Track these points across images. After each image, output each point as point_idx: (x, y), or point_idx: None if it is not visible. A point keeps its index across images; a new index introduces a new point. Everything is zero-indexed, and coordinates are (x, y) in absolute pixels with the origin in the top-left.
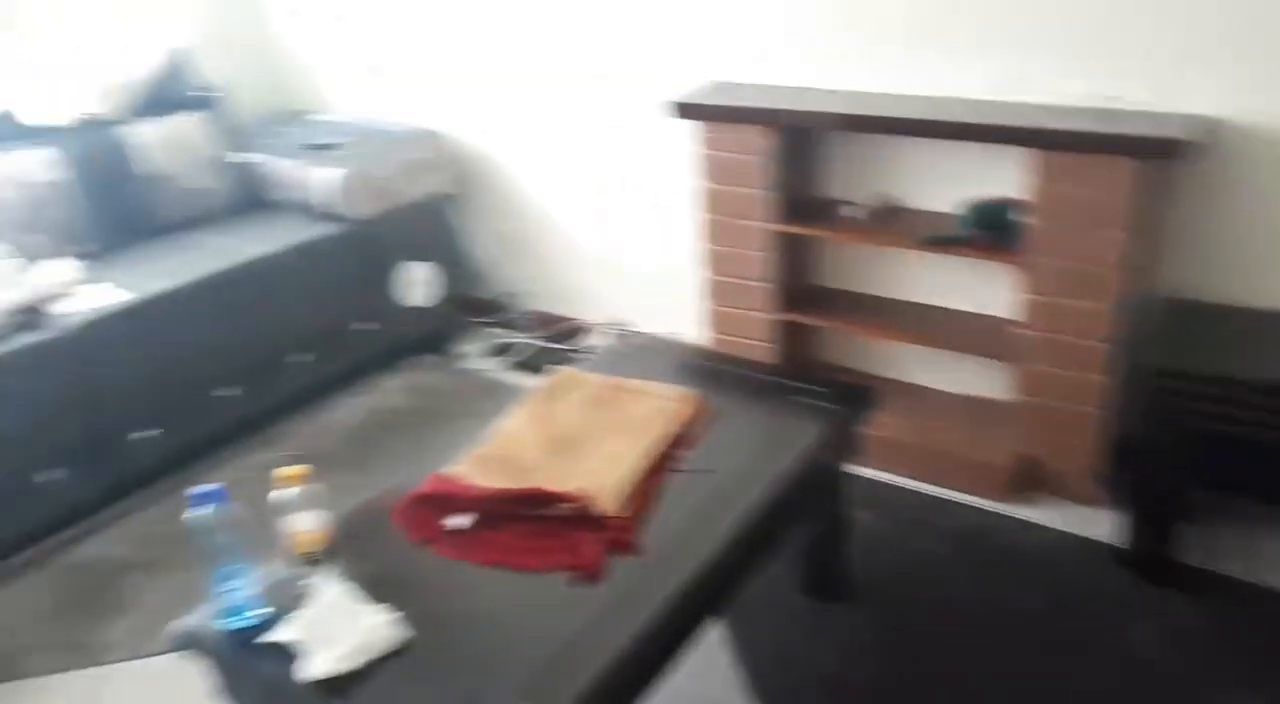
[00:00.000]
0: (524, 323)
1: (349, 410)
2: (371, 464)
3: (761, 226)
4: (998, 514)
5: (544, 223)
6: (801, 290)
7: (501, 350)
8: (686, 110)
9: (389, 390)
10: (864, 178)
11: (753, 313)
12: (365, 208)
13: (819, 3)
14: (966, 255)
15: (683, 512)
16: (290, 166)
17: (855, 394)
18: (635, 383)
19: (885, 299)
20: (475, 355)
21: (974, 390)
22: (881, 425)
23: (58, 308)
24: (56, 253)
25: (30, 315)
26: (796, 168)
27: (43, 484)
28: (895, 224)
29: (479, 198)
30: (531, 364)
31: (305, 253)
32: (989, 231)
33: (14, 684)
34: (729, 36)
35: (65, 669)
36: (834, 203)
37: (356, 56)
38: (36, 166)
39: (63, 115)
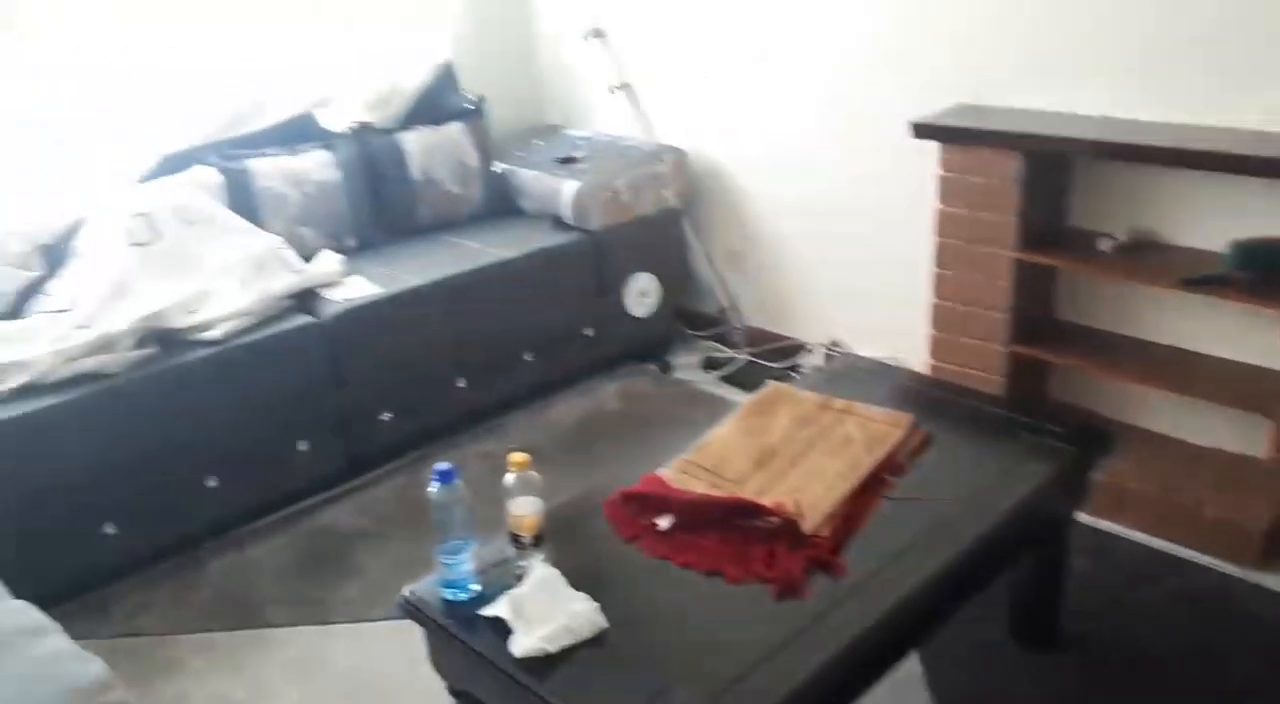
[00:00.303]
0: (740, 338)
1: (566, 410)
2: (584, 462)
3: (1000, 254)
4: (1241, 580)
5: (770, 240)
6: (1038, 323)
7: (716, 364)
8: (928, 131)
9: (605, 394)
10: (1116, 209)
11: (982, 343)
12: (599, 219)
13: (1074, 25)
14: (1229, 298)
15: (889, 538)
16: (537, 177)
17: (1091, 436)
18: (848, 403)
19: (1131, 339)
20: (690, 367)
21: (1227, 445)
22: (1116, 472)
23: (324, 296)
24: (320, 246)
25: (301, 300)
26: (1042, 195)
27: (297, 453)
28: (1149, 260)
29: (708, 213)
30: (744, 379)
31: (542, 259)
32: (1257, 273)
33: (255, 632)
34: (976, 58)
35: (299, 624)
36: (1081, 233)
37: (607, 74)
38: (314, 167)
39: (340, 121)
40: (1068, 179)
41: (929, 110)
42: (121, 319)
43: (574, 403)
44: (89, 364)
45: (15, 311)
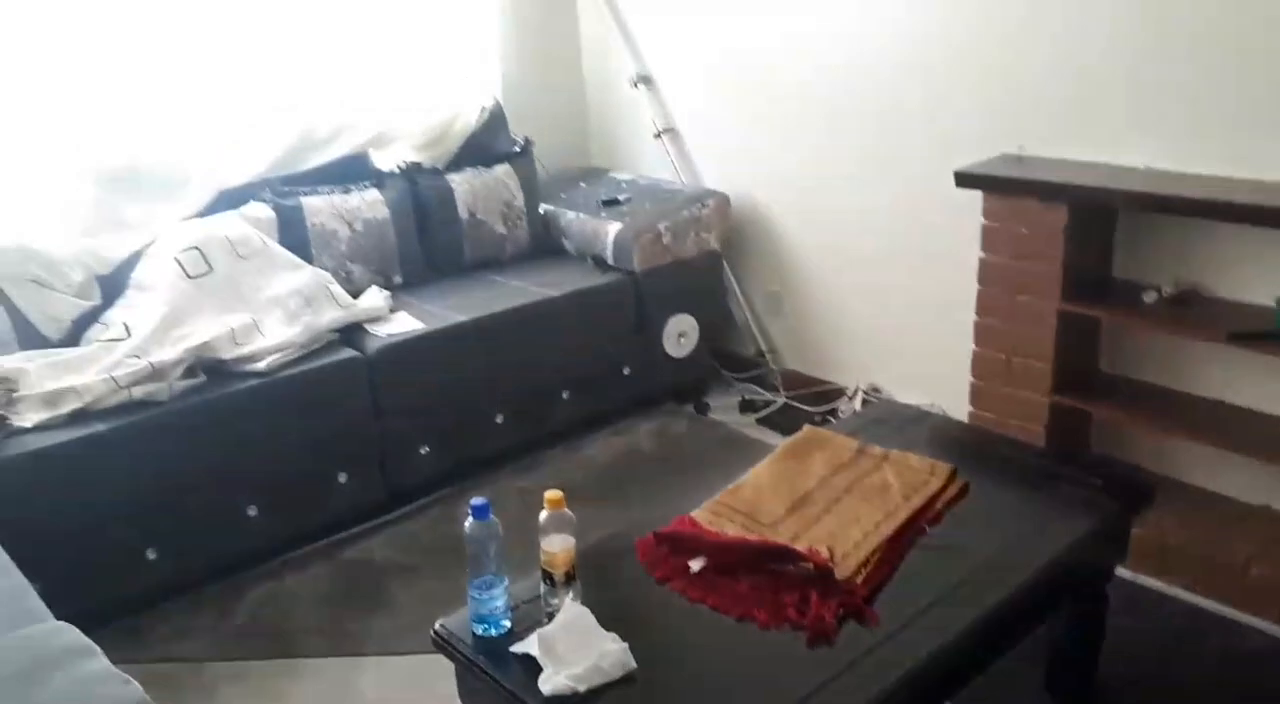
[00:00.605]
0: (778, 381)
1: (602, 449)
2: (618, 501)
3: (1043, 304)
4: None
5: (810, 284)
6: (1081, 374)
7: (753, 406)
8: (972, 180)
9: (641, 434)
10: (1162, 261)
11: (1023, 392)
12: (640, 260)
13: (1119, 77)
14: (1278, 353)
15: (924, 587)
16: (580, 219)
17: (1132, 489)
18: (886, 450)
19: (1176, 392)
20: (727, 409)
21: (1275, 502)
22: (1158, 527)
23: (370, 330)
24: (367, 282)
25: (347, 335)
26: (1087, 246)
27: (337, 484)
28: (1195, 313)
29: (748, 256)
30: (780, 422)
31: (582, 299)
32: None
33: (287, 662)
34: (1020, 108)
35: (331, 655)
36: (1126, 285)
37: (652, 119)
38: (364, 205)
39: (391, 161)
40: (1112, 230)
41: (972, 159)
42: (172, 349)
43: (610, 441)
44: (140, 392)
45: (72, 339)
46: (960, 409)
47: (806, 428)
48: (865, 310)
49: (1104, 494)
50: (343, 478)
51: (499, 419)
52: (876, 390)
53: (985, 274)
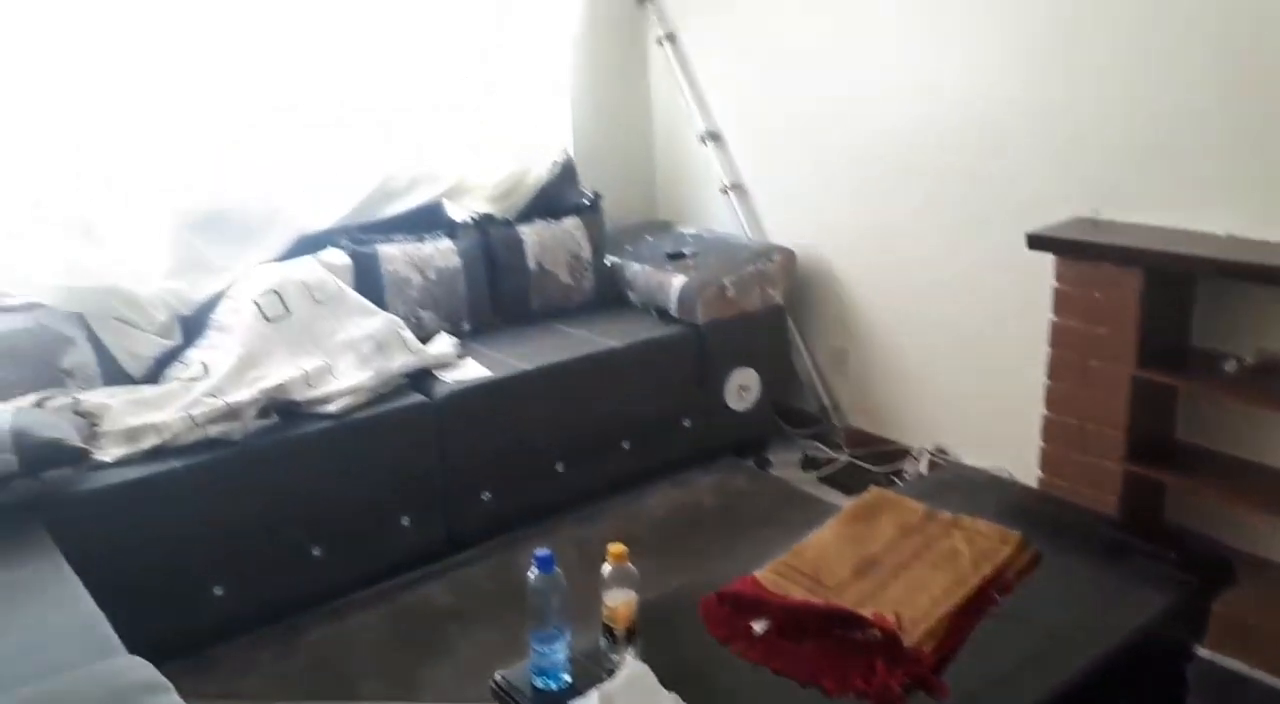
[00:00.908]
0: (841, 438)
1: (660, 501)
2: (677, 555)
3: (1118, 370)
4: None
5: (875, 342)
6: (1156, 442)
7: (815, 463)
8: (1044, 243)
9: (700, 487)
10: (1241, 329)
11: (1096, 460)
12: (704, 313)
13: (1197, 141)
14: None
15: (994, 659)
16: (646, 271)
17: (1211, 565)
18: (955, 515)
19: (1257, 464)
20: (788, 465)
21: None
22: (1239, 606)
23: (438, 376)
24: (437, 328)
25: (416, 380)
26: (1163, 312)
27: (400, 527)
28: (1277, 383)
29: (814, 311)
30: (843, 481)
31: (646, 350)
32: None
33: None
34: (1095, 172)
35: (389, 699)
36: (1204, 353)
37: (719, 175)
38: (437, 254)
39: (464, 211)
40: (1190, 297)
41: (1045, 221)
42: (248, 390)
43: (669, 494)
44: (215, 431)
45: (153, 376)
46: (1029, 474)
47: (872, 489)
48: (932, 370)
49: (1182, 569)
50: (405, 521)
51: (559, 467)
52: (943, 452)
53: (1057, 337)
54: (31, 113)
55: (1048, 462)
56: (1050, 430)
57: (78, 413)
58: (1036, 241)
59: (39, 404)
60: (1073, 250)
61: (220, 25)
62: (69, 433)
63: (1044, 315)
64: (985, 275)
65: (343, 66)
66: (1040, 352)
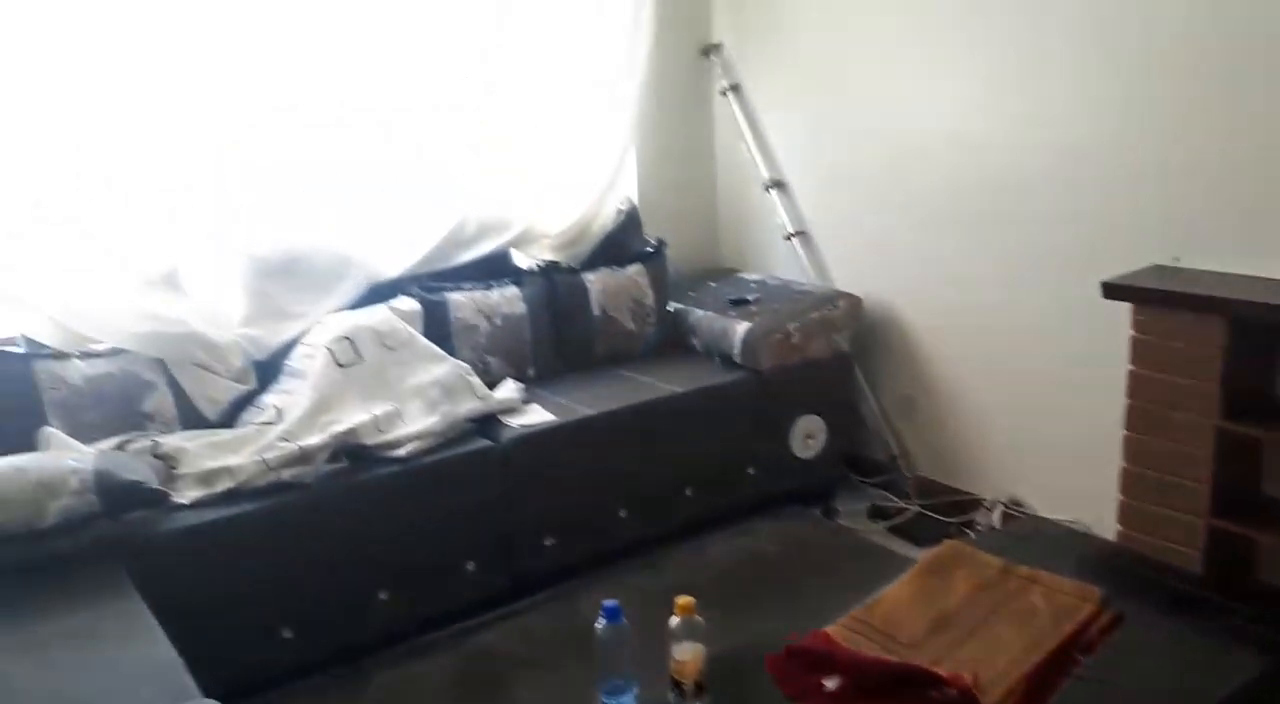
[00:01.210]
0: (910, 488)
1: (724, 549)
2: (742, 607)
3: (1200, 421)
4: None
5: (945, 389)
6: (1242, 496)
7: (883, 513)
8: (1121, 292)
9: (764, 536)
10: None
11: (1178, 514)
12: (769, 360)
13: None
14: None
15: None
16: (709, 317)
17: None
18: (1033, 570)
19: None
20: (855, 514)
21: None
22: None
23: (504, 421)
24: (503, 374)
25: (482, 425)
26: (1248, 362)
27: (464, 572)
28: None
29: (881, 358)
30: (912, 531)
31: (709, 396)
32: None
33: None
34: (1174, 219)
35: None
36: None
37: (784, 221)
38: (504, 301)
39: (531, 259)
40: (1276, 347)
41: (1122, 268)
42: (320, 434)
43: (733, 542)
44: (288, 474)
45: (228, 419)
46: (1107, 528)
47: (946, 543)
48: (1004, 419)
49: (1276, 631)
50: (470, 566)
51: (622, 513)
52: (1016, 503)
53: (1135, 388)
54: (121, 165)
55: (1127, 515)
56: (1129, 483)
57: (156, 455)
58: (1113, 290)
59: (120, 446)
60: (1152, 299)
61: (284, 72)
62: (149, 475)
63: (1121, 364)
64: (1058, 322)
65: (414, 116)
66: (1117, 401)
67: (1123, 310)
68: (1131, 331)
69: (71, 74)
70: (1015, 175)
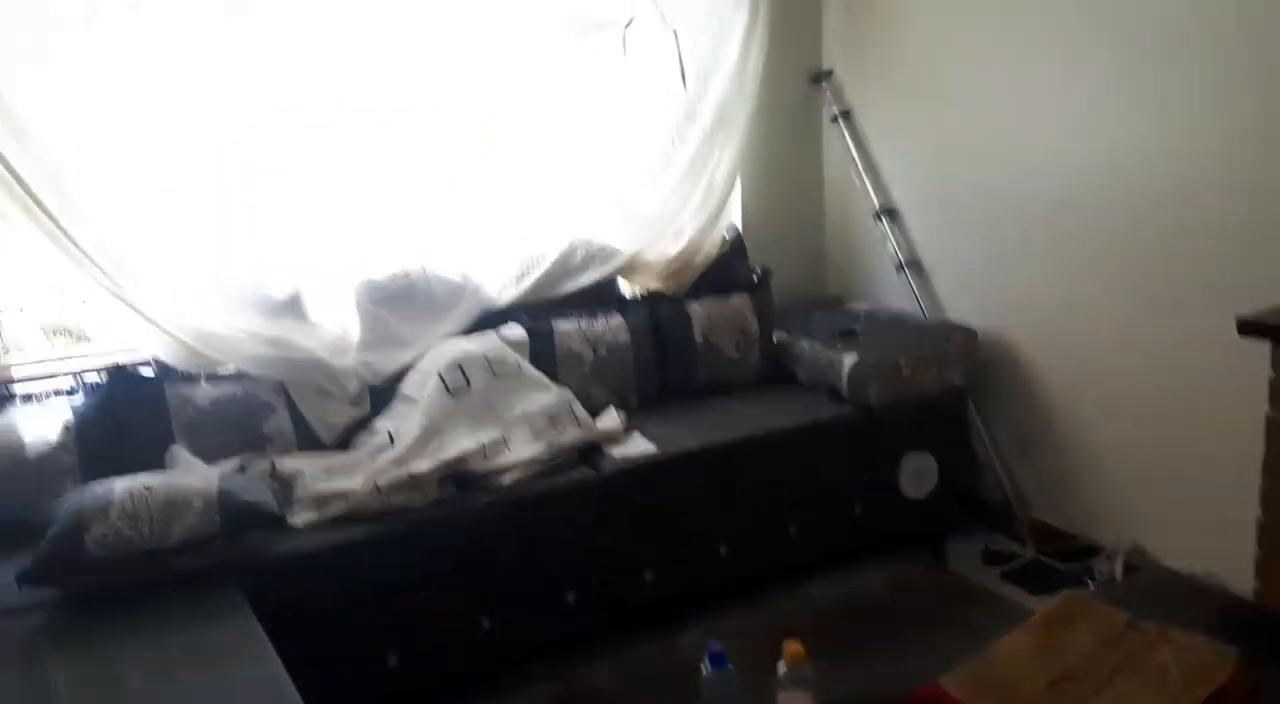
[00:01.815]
0: (1025, 532)
1: (827, 590)
2: (847, 653)
3: None
4: None
5: (1064, 430)
6: None
7: (997, 558)
8: (1258, 329)
9: (872, 579)
10: None
11: None
12: (877, 394)
13: None
14: None
15: None
16: (815, 348)
17: None
18: (1162, 627)
19: None
20: (967, 558)
21: None
22: None
23: (606, 450)
24: (606, 402)
25: (584, 453)
26: None
27: (564, 603)
28: None
29: (997, 395)
30: (1027, 578)
31: (815, 431)
32: None
33: None
34: None
35: None
36: None
37: (895, 251)
38: (608, 330)
39: (635, 288)
40: None
41: (1258, 303)
42: (430, 460)
43: (838, 584)
44: (399, 500)
45: (342, 442)
46: (1242, 583)
47: (1066, 594)
48: (1128, 462)
49: None
50: (570, 597)
51: (723, 550)
52: (1140, 551)
53: (1273, 433)
54: (248, 190)
55: (1265, 571)
56: (1266, 535)
57: (274, 477)
58: (1249, 326)
59: (241, 468)
60: None
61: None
62: (268, 497)
63: (1258, 406)
64: (1187, 361)
65: (531, 147)
66: (1253, 446)
67: (1259, 348)
68: (1270, 372)
69: (207, 102)
70: (1140, 199)
